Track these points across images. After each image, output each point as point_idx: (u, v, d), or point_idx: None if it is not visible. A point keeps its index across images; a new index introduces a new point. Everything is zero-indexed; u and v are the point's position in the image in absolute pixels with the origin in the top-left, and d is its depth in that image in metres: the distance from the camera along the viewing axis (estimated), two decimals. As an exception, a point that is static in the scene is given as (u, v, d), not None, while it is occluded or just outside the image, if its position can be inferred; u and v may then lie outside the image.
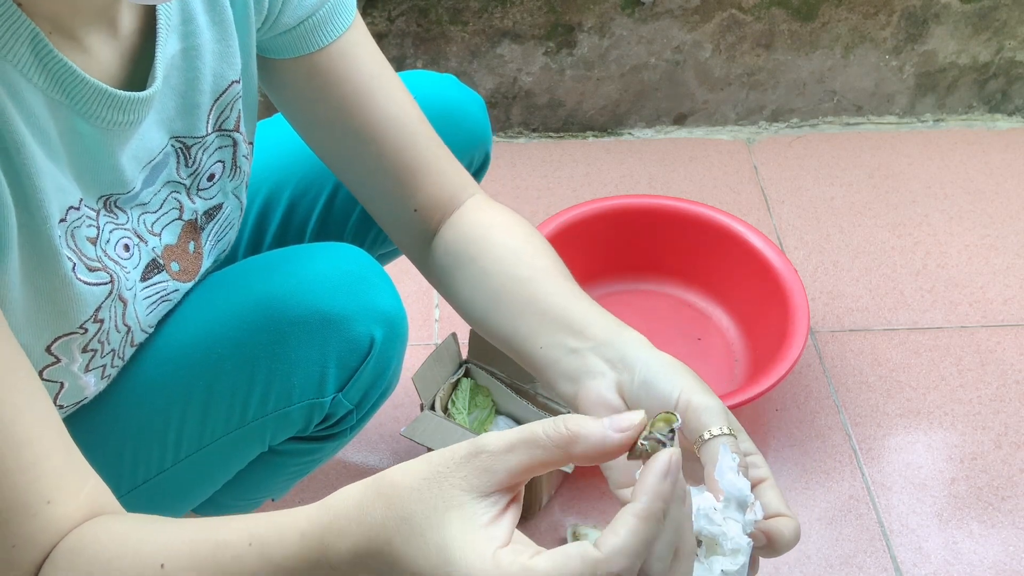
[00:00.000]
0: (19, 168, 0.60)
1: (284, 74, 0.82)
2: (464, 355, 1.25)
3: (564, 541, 1.20)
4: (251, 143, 0.84)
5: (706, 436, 0.64)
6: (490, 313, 0.79)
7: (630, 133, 1.80)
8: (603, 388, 0.70)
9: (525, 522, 1.22)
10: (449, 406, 1.21)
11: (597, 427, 0.49)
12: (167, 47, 0.69)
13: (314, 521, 0.52)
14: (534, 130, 1.79)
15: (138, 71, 0.69)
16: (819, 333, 1.46)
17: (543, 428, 0.48)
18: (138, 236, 0.74)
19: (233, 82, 0.78)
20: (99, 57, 0.65)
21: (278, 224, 1.01)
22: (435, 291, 1.50)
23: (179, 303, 0.81)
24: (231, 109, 0.79)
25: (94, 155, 0.67)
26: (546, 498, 1.23)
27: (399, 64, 1.68)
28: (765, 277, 1.36)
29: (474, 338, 1.24)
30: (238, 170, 0.83)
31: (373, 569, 0.51)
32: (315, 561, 0.52)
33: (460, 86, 1.03)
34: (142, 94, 0.67)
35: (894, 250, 1.59)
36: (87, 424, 0.77)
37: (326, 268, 0.80)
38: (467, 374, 1.25)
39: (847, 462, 1.30)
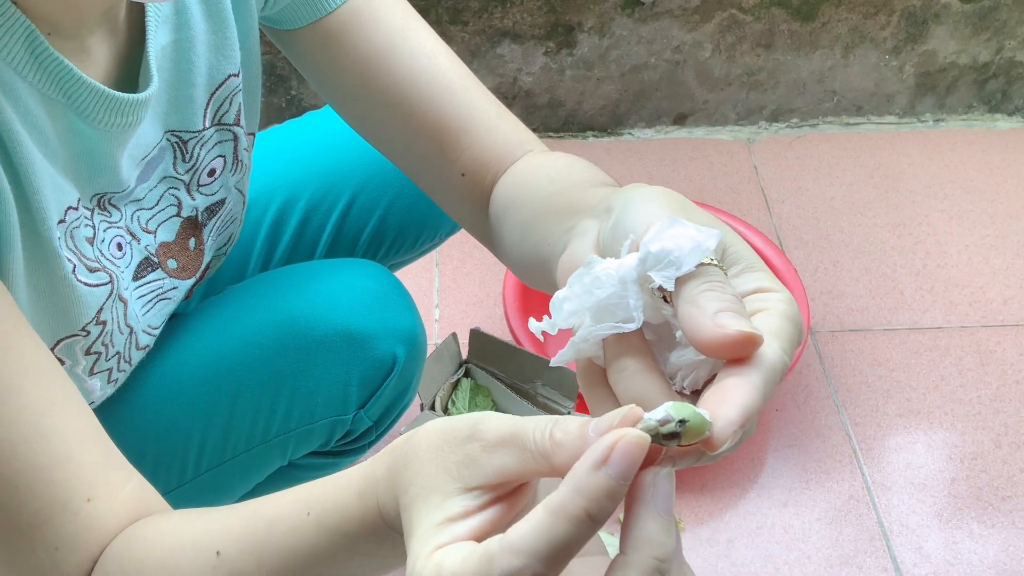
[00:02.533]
0: (17, 168, 0.59)
1: (301, 45, 0.76)
2: (464, 355, 1.25)
3: (564, 541, 1.20)
4: (253, 134, 0.81)
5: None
6: (521, 242, 0.65)
7: (630, 133, 1.80)
8: (580, 250, 0.54)
9: (525, 522, 1.22)
10: (449, 406, 1.22)
11: (578, 439, 0.40)
12: (157, 40, 0.67)
13: (368, 478, 0.47)
14: (534, 130, 1.79)
15: (130, 67, 0.67)
16: (819, 333, 1.46)
17: (532, 432, 0.41)
18: (131, 234, 0.72)
19: (231, 75, 0.75)
20: (96, 58, 0.64)
21: (292, 234, 1.00)
22: (435, 291, 1.50)
23: (200, 316, 0.82)
24: (230, 103, 0.76)
25: (92, 155, 0.65)
26: (546, 498, 1.23)
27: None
28: (765, 277, 1.36)
29: (474, 338, 1.24)
30: (239, 164, 0.80)
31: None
32: (373, 522, 0.47)
33: None
34: (141, 96, 0.65)
35: (894, 250, 1.59)
36: (122, 428, 0.74)
37: (350, 287, 0.81)
38: (467, 374, 1.25)
39: (847, 462, 1.30)
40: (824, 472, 1.29)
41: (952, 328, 1.47)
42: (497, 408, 1.23)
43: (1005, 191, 1.70)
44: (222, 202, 0.80)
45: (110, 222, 0.69)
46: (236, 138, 0.78)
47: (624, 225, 0.49)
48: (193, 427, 0.81)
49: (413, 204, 1.00)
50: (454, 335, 1.23)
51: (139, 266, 0.73)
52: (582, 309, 0.45)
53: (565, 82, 1.73)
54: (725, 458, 1.32)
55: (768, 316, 0.48)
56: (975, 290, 1.53)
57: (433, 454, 0.43)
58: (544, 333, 0.49)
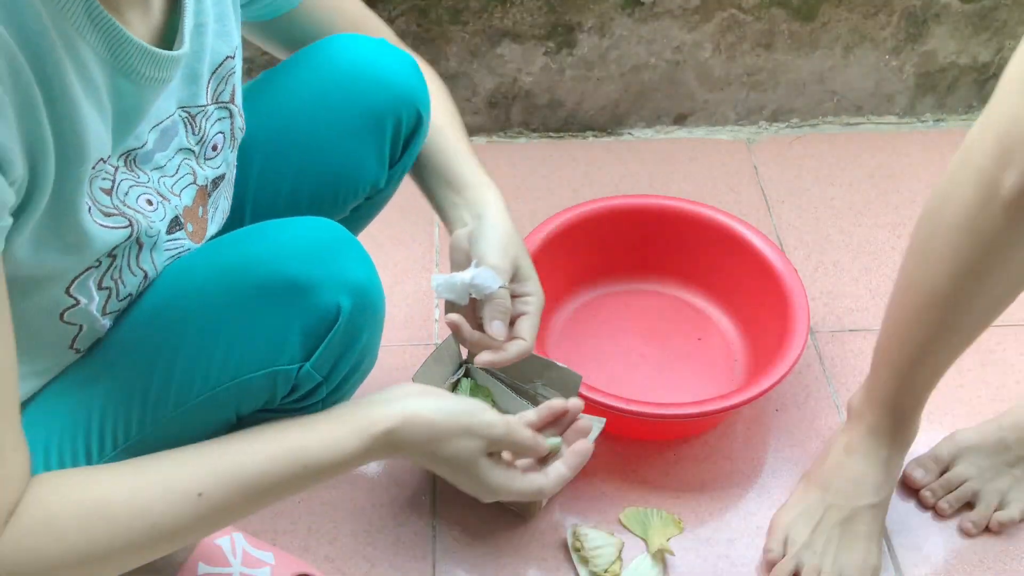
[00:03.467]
0: (62, 114, 0.65)
1: (273, 30, 0.98)
2: (464, 355, 1.25)
3: (564, 541, 1.20)
4: (243, 115, 0.91)
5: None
6: (416, 175, 1.09)
7: (630, 133, 1.80)
8: (462, 236, 1.00)
9: (525, 522, 1.22)
10: (449, 406, 1.22)
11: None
12: (188, 20, 0.76)
13: (363, 442, 0.78)
14: (534, 130, 1.79)
15: (162, 42, 0.76)
16: (819, 333, 1.46)
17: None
18: (160, 195, 0.80)
19: (228, 57, 0.85)
20: (135, 27, 0.72)
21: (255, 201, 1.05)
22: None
23: (157, 278, 0.83)
24: (226, 83, 0.85)
25: (128, 113, 0.73)
26: (546, 499, 1.23)
27: (399, 64, 1.68)
28: (765, 277, 1.36)
29: (474, 338, 1.24)
30: (235, 141, 0.89)
31: (415, 453, 0.83)
32: (360, 462, 0.79)
33: (389, 48, 1.03)
34: (175, 53, 0.74)
35: (894, 250, 1.59)
36: (74, 378, 0.81)
37: (294, 237, 0.81)
38: (467, 374, 1.25)
39: (847, 462, 1.30)
40: (824, 472, 1.29)
41: (952, 328, 1.47)
42: (497, 408, 1.23)
43: (1005, 191, 1.70)
44: (223, 176, 0.88)
45: (137, 181, 0.77)
46: (232, 116, 0.88)
47: (477, 250, 0.97)
48: (135, 382, 0.81)
49: (319, 160, 1.02)
50: (454, 335, 1.23)
51: (171, 223, 0.81)
52: (447, 290, 0.97)
53: (565, 82, 1.73)
54: (725, 458, 1.33)
55: (524, 318, 0.98)
56: (975, 290, 1.53)
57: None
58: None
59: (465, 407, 0.84)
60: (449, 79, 1.71)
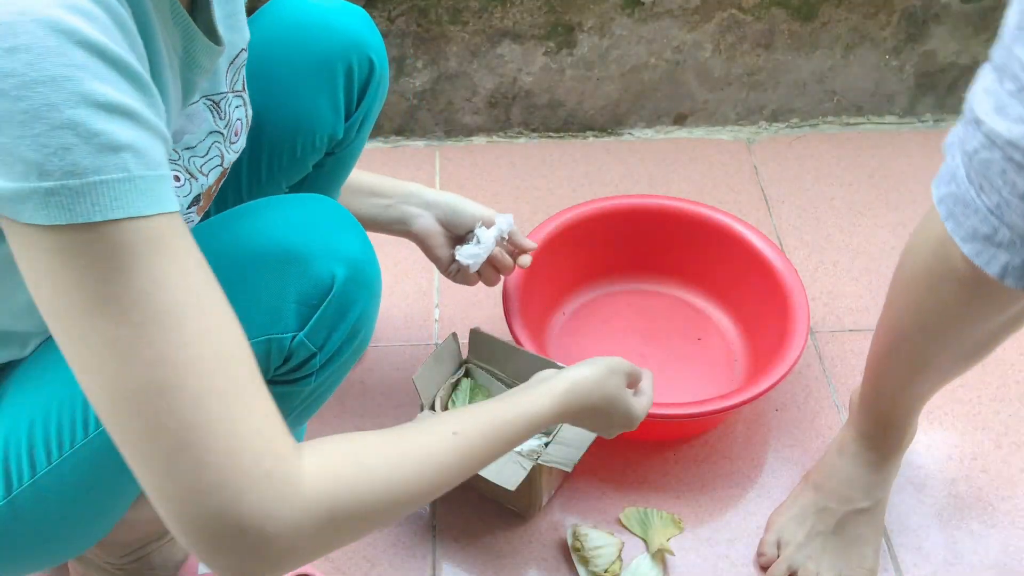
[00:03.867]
0: (161, 88, 0.70)
1: None
2: (464, 355, 1.25)
3: (564, 541, 1.20)
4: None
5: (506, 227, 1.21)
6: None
7: (630, 133, 1.80)
8: (428, 222, 1.21)
9: (525, 522, 1.22)
10: (449, 406, 1.22)
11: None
12: (217, 12, 0.80)
13: (555, 401, 0.90)
14: (534, 130, 1.79)
15: None
16: (819, 333, 1.46)
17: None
18: (189, 173, 0.84)
19: (242, 49, 0.90)
20: None
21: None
22: (435, 291, 1.50)
23: None
24: (239, 74, 0.90)
25: (183, 100, 0.79)
26: (546, 498, 1.23)
27: (399, 64, 1.68)
28: (765, 277, 1.36)
29: (474, 338, 1.24)
30: (248, 127, 0.94)
31: (582, 417, 0.94)
32: (554, 421, 0.90)
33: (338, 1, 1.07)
34: (220, 48, 0.79)
35: (894, 250, 1.59)
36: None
37: (290, 210, 0.82)
38: (467, 374, 1.25)
39: (847, 462, 1.30)
40: (824, 472, 1.29)
41: (952, 328, 1.47)
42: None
43: (1005, 191, 1.70)
44: (237, 160, 0.94)
45: (171, 160, 0.79)
46: (245, 103, 0.92)
47: (462, 216, 1.22)
48: None
49: (274, 112, 1.04)
50: (454, 335, 1.23)
51: (192, 200, 0.86)
52: (483, 251, 1.20)
53: (565, 82, 1.73)
54: (725, 458, 1.33)
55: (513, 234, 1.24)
56: (975, 290, 1.53)
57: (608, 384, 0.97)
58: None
59: (598, 360, 0.96)
60: (449, 79, 1.71)
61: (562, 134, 1.79)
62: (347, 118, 1.08)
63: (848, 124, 1.83)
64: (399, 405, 1.35)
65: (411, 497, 0.70)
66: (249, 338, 0.79)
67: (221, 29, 0.80)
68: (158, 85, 0.69)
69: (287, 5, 1.04)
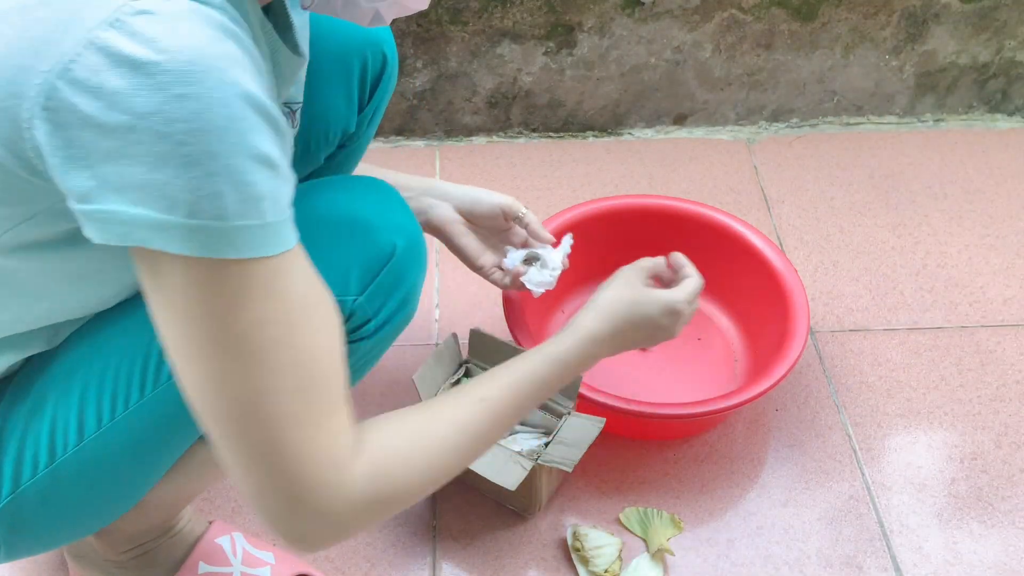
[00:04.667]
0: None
1: None
2: (464, 355, 1.25)
3: (564, 541, 1.20)
4: None
5: (522, 213, 1.19)
6: None
7: (630, 133, 1.80)
8: (447, 211, 1.18)
9: (525, 522, 1.22)
10: (449, 406, 1.22)
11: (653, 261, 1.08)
12: (297, 22, 0.83)
13: (583, 335, 0.95)
14: (534, 130, 1.79)
15: None
16: (819, 333, 1.46)
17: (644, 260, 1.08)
18: None
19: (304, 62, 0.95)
20: None
21: None
22: (435, 291, 1.50)
23: None
24: (300, 83, 0.95)
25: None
26: (546, 498, 1.23)
27: (399, 64, 1.68)
28: (765, 277, 1.36)
29: (474, 338, 1.24)
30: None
31: (614, 343, 0.99)
32: (592, 352, 0.96)
33: None
34: (302, 59, 0.83)
35: (894, 250, 1.59)
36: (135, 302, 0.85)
37: (356, 187, 0.90)
38: (467, 374, 1.25)
39: (847, 462, 1.30)
40: (824, 472, 1.29)
41: (952, 328, 1.47)
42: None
43: (1005, 191, 1.70)
44: None
45: None
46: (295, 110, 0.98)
47: (482, 204, 1.19)
48: None
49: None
50: (454, 335, 1.23)
51: None
52: (546, 282, 1.19)
53: (565, 82, 1.73)
54: (725, 458, 1.33)
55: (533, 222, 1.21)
56: (975, 290, 1.53)
57: (629, 287, 1.03)
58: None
59: (619, 273, 1.04)
60: (449, 79, 1.71)
61: (562, 134, 1.79)
62: (359, 111, 1.10)
63: (848, 124, 1.83)
64: (399, 405, 1.34)
65: (449, 472, 0.81)
66: None
67: (301, 41, 0.84)
68: None
69: None
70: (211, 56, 0.60)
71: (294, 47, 0.82)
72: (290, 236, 0.66)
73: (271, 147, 0.63)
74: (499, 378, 0.87)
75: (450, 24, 1.64)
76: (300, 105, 0.94)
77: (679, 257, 1.10)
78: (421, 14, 1.63)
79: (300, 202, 0.83)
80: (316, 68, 1.04)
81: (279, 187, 0.64)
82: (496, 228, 1.20)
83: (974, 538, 1.23)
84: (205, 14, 0.61)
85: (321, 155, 1.10)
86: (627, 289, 1.01)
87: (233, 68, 0.60)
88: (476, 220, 1.19)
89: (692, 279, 1.07)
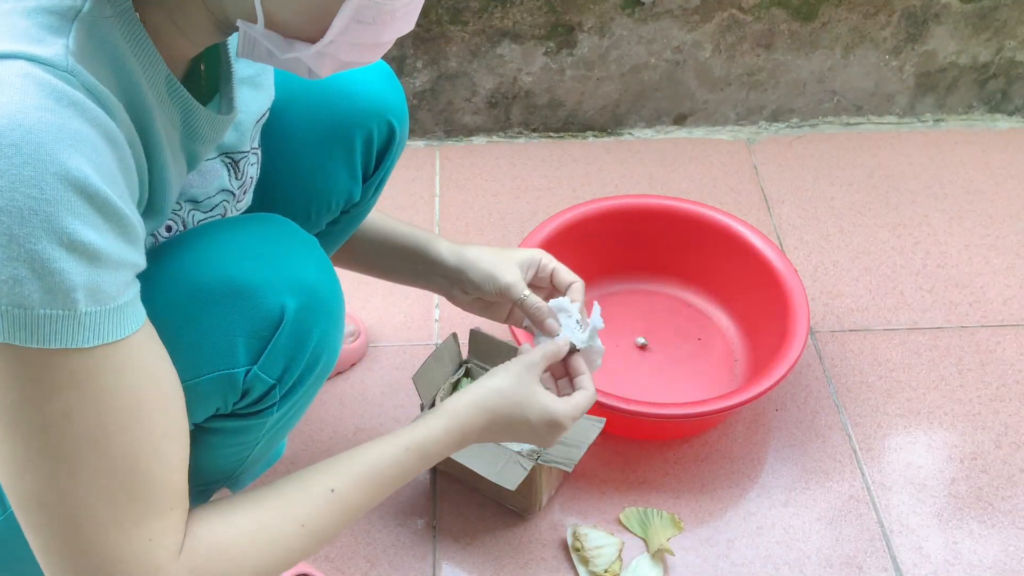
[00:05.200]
0: (156, 180, 0.70)
1: None
2: (464, 355, 1.25)
3: (564, 541, 1.20)
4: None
5: (521, 299, 1.04)
6: (378, 268, 1.17)
7: (630, 133, 1.80)
8: (460, 295, 1.10)
9: (525, 522, 1.22)
10: (449, 406, 1.21)
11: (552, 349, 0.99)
12: (235, 80, 0.80)
13: (452, 425, 0.89)
14: (534, 130, 1.79)
15: (198, 94, 0.79)
16: (819, 333, 1.46)
17: (534, 354, 0.97)
18: (183, 224, 0.84)
19: (267, 109, 0.91)
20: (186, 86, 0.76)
21: None
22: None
23: None
24: (259, 128, 0.91)
25: (189, 167, 0.78)
26: (546, 498, 1.23)
27: (399, 64, 1.68)
28: (765, 277, 1.36)
29: (474, 338, 1.24)
30: (256, 179, 0.93)
31: (488, 435, 0.92)
32: (451, 444, 0.89)
33: None
34: (229, 116, 0.79)
35: (894, 250, 1.59)
36: None
37: (238, 236, 0.79)
38: (467, 374, 1.25)
39: (847, 462, 1.30)
40: (824, 472, 1.29)
41: (952, 328, 1.47)
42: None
43: (1005, 191, 1.70)
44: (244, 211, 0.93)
45: (174, 212, 0.83)
46: (258, 160, 0.92)
47: (482, 289, 1.07)
48: None
49: (288, 175, 1.02)
50: (454, 335, 1.23)
51: None
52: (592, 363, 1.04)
53: (565, 82, 1.73)
54: (725, 458, 1.33)
55: (564, 270, 1.08)
56: (975, 290, 1.53)
57: (518, 383, 0.94)
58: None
59: (511, 363, 0.96)
60: (449, 79, 1.71)
61: (562, 134, 1.79)
62: (364, 180, 1.05)
63: (848, 124, 1.83)
64: (399, 405, 1.35)
65: (287, 565, 0.77)
66: (201, 374, 0.79)
67: (243, 92, 0.81)
68: (155, 163, 0.69)
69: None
70: (30, 128, 0.55)
71: (226, 105, 0.78)
72: (115, 327, 0.61)
73: (92, 234, 0.58)
74: (355, 466, 0.81)
75: (450, 24, 1.64)
76: (247, 153, 0.88)
77: (578, 363, 1.01)
78: (422, 13, 1.62)
79: (173, 261, 0.78)
80: (315, 138, 0.99)
81: (99, 277, 0.59)
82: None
83: (974, 538, 1.23)
84: (40, 80, 0.57)
85: (323, 222, 1.06)
86: (515, 386, 0.93)
87: (57, 144, 0.56)
88: (483, 293, 1.08)
89: (584, 393, 0.98)
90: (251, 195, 0.92)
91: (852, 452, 1.31)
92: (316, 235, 1.08)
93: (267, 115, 0.92)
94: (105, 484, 0.64)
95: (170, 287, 0.77)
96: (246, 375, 0.79)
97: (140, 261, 0.63)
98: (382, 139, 1.02)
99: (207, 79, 0.80)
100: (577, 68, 1.71)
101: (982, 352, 1.44)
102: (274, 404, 0.82)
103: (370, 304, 1.47)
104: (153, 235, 0.83)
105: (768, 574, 1.18)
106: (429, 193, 1.66)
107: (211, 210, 0.86)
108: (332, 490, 0.79)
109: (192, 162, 0.78)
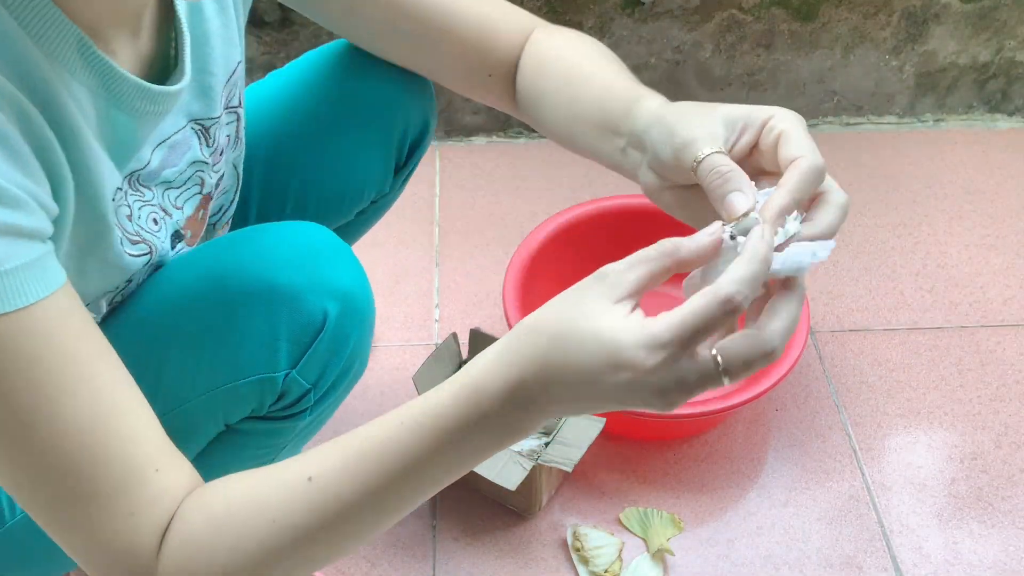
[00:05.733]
0: (77, 154, 0.66)
1: (328, 3, 0.89)
2: (464, 355, 1.25)
3: (564, 541, 1.20)
4: (244, 115, 0.91)
5: (696, 160, 0.67)
6: (570, 141, 0.85)
7: (630, 133, 1.80)
8: (646, 177, 0.77)
9: (525, 522, 1.22)
10: (449, 406, 1.21)
11: (690, 239, 0.59)
12: (187, 47, 0.75)
13: (464, 382, 0.60)
14: (534, 130, 1.79)
15: (152, 64, 0.75)
16: (819, 333, 1.46)
17: (650, 248, 0.59)
18: (163, 211, 0.80)
19: (239, 63, 0.85)
20: (123, 58, 0.71)
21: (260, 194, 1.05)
22: (435, 291, 1.50)
23: (145, 282, 0.82)
24: (236, 87, 0.85)
25: (127, 141, 0.73)
26: (546, 498, 1.23)
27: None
28: (765, 277, 1.35)
29: (474, 338, 1.24)
30: (239, 141, 0.89)
31: (522, 400, 0.58)
32: (466, 414, 0.60)
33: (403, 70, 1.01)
34: (172, 88, 0.73)
35: (894, 250, 1.59)
36: None
37: (278, 243, 0.79)
38: (467, 374, 1.25)
39: (847, 462, 1.30)
40: (824, 472, 1.29)
41: (952, 328, 1.47)
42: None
43: (1005, 191, 1.70)
44: (223, 176, 0.88)
45: (144, 201, 0.77)
46: (239, 118, 0.88)
47: (660, 160, 0.72)
48: None
49: (326, 168, 1.01)
50: (454, 335, 1.23)
51: (172, 238, 0.82)
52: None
53: (565, 82, 1.72)
54: (725, 458, 1.32)
55: (785, 136, 0.69)
56: (975, 290, 1.53)
57: (568, 305, 0.58)
58: None
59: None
60: (449, 79, 1.71)
61: (562, 134, 1.79)
62: (395, 172, 1.06)
63: (848, 124, 1.83)
64: (399, 405, 1.34)
65: (265, 565, 0.65)
66: (242, 377, 0.79)
67: (213, 49, 0.77)
68: (68, 137, 0.65)
69: (350, 67, 0.99)
70: None
71: (178, 74, 0.74)
72: (21, 293, 0.59)
73: None
74: (339, 449, 0.64)
75: (450, 24, 1.64)
76: (218, 119, 0.83)
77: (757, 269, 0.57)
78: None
79: (214, 266, 0.78)
80: (356, 142, 1.00)
81: None
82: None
83: (974, 538, 1.23)
84: None
85: (353, 211, 1.07)
86: (564, 310, 0.59)
87: None
88: (675, 180, 0.74)
89: (704, 302, 0.56)
90: (228, 157, 0.88)
91: (852, 452, 1.31)
92: (343, 224, 1.10)
93: (240, 70, 0.86)
94: (65, 457, 0.61)
95: (213, 291, 0.77)
96: (285, 378, 0.79)
97: (25, 223, 0.60)
98: (415, 134, 1.04)
99: (177, 51, 0.76)
100: (577, 68, 1.71)
101: (982, 352, 1.44)
102: (308, 408, 0.83)
103: (370, 304, 1.47)
104: (180, 237, 0.83)
105: (768, 574, 1.18)
106: (429, 193, 1.66)
107: (183, 184, 0.82)
108: (309, 478, 0.62)
109: (126, 135, 0.72)
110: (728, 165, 0.65)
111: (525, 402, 0.59)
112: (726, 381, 0.56)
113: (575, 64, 0.86)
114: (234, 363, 0.79)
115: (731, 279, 0.55)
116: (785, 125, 0.67)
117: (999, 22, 1.71)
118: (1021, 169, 1.74)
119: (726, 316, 0.55)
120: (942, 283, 1.54)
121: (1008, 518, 1.25)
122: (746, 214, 0.62)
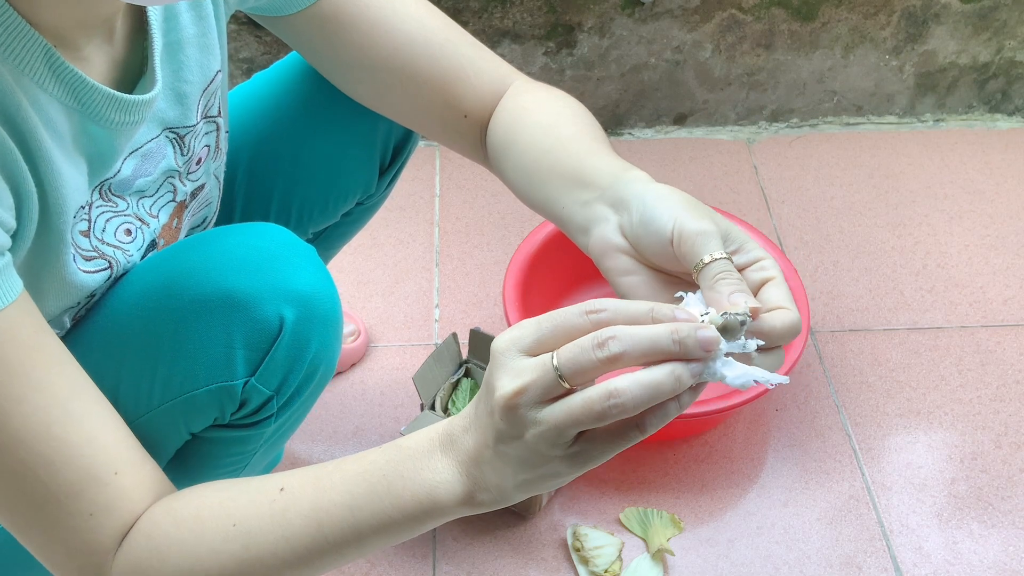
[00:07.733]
0: (41, 169, 0.66)
1: (296, 28, 0.85)
2: (464, 355, 1.25)
3: (564, 541, 1.20)
4: (227, 125, 0.90)
5: (706, 260, 0.65)
6: (527, 188, 0.82)
7: (630, 133, 1.80)
8: (608, 232, 0.73)
9: (525, 522, 1.22)
10: (449, 406, 1.22)
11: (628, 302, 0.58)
12: (158, 44, 0.74)
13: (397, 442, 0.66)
14: (534, 130, 1.79)
15: (126, 71, 0.74)
16: (819, 333, 1.46)
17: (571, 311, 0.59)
18: (139, 220, 0.79)
19: (217, 72, 0.83)
20: (96, 64, 0.70)
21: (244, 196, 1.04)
22: (435, 291, 1.50)
23: (108, 290, 0.81)
24: (215, 97, 0.84)
25: (101, 153, 0.72)
26: (546, 498, 1.23)
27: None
28: (765, 277, 1.35)
29: (474, 338, 1.24)
30: (220, 152, 0.88)
31: (451, 440, 0.69)
32: (402, 462, 0.65)
33: None
34: (145, 97, 0.73)
35: (894, 250, 1.59)
36: None
37: (235, 246, 0.77)
38: (467, 374, 1.25)
39: (847, 462, 1.30)
40: (824, 472, 1.29)
41: (952, 328, 1.47)
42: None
43: (1005, 191, 1.70)
44: (202, 187, 0.87)
45: (115, 211, 0.76)
46: (218, 128, 0.86)
47: (653, 224, 0.68)
48: None
49: (310, 168, 1.01)
50: (454, 335, 1.23)
51: (148, 247, 0.81)
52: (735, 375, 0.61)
53: (565, 82, 1.72)
54: (725, 458, 1.32)
55: (771, 284, 0.66)
56: (975, 290, 1.53)
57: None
58: None
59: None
60: (449, 79, 1.71)
61: (562, 134, 1.79)
62: (381, 174, 1.06)
63: (848, 124, 1.83)
64: (399, 405, 1.35)
65: (219, 572, 0.66)
66: (199, 386, 0.78)
67: (188, 56, 0.76)
68: (34, 151, 0.65)
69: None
70: None
71: (148, 81, 0.73)
72: None
73: None
74: (305, 470, 0.66)
75: (450, 24, 1.64)
76: (194, 127, 0.81)
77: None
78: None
79: (168, 272, 0.77)
80: (339, 135, 1.00)
81: None
82: (673, 269, 0.71)
83: (974, 538, 1.23)
84: None
85: (338, 213, 1.06)
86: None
87: None
88: (643, 252, 0.71)
89: (586, 396, 0.56)
90: (208, 168, 0.87)
91: (852, 452, 1.31)
92: (328, 227, 1.09)
93: (219, 79, 0.84)
94: (21, 459, 0.63)
95: (165, 299, 0.76)
96: (244, 387, 0.78)
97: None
98: (400, 133, 1.04)
99: (147, 59, 0.75)
100: (577, 68, 1.71)
101: (982, 352, 1.44)
102: (272, 415, 0.81)
103: (370, 304, 1.47)
104: (154, 246, 0.82)
105: (768, 574, 1.18)
106: (429, 193, 1.66)
107: (156, 192, 0.80)
108: (281, 489, 0.64)
109: (103, 148, 0.72)
110: (737, 275, 0.66)
111: (453, 465, 0.69)
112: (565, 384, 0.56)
113: (554, 122, 0.83)
114: (191, 372, 0.77)
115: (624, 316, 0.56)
116: (776, 273, 0.67)
117: (999, 22, 1.71)
118: (1021, 169, 1.74)
119: (592, 326, 0.56)
120: (942, 283, 1.54)
121: (1008, 518, 1.25)
122: (736, 316, 0.62)
